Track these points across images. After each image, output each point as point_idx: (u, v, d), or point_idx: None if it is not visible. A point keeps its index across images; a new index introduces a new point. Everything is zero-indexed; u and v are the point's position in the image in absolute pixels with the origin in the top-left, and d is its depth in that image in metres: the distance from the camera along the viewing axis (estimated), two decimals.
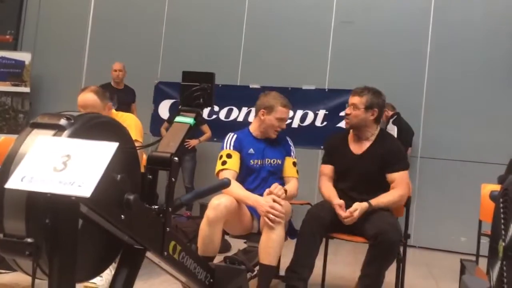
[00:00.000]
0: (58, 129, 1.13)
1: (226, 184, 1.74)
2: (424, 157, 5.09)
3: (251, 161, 2.63)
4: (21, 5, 6.73)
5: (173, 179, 1.48)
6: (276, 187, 2.46)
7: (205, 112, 5.49)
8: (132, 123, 2.77)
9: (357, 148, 2.69)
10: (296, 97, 4.88)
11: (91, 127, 1.19)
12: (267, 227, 2.34)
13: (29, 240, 1.03)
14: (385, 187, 2.61)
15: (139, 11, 6.22)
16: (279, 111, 2.63)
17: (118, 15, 6.27)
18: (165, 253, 1.42)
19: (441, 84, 5.12)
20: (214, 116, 5.65)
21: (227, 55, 5.77)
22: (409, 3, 5.36)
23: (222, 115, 5.68)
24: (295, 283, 2.43)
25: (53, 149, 1.07)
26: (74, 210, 1.08)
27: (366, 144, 2.68)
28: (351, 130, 2.75)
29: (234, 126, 4.92)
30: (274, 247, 2.33)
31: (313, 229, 2.46)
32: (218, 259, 2.30)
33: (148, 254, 1.39)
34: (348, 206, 2.51)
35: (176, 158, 1.47)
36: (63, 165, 1.03)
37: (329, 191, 2.64)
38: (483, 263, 1.95)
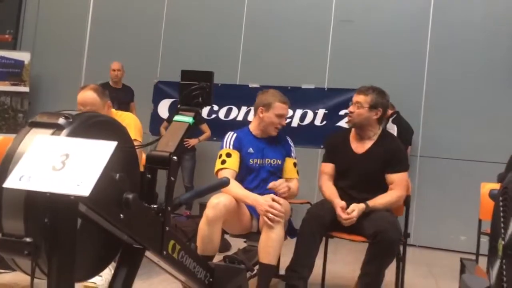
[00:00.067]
0: (57, 128, 1.13)
1: (225, 183, 1.74)
2: (424, 156, 5.09)
3: (250, 160, 2.62)
4: (20, 5, 6.72)
5: (172, 178, 1.48)
6: (280, 183, 2.46)
7: (205, 111, 5.49)
8: (132, 122, 2.77)
9: (359, 147, 2.69)
10: (296, 96, 4.88)
11: (90, 126, 1.19)
12: (266, 226, 2.34)
13: (27, 239, 1.03)
14: (385, 187, 2.61)
15: (139, 11, 6.22)
16: (278, 107, 2.62)
17: (118, 15, 6.27)
18: (164, 252, 1.42)
19: (440, 84, 5.12)
20: (213, 116, 5.64)
21: (226, 55, 5.77)
22: (408, 3, 5.36)
23: (221, 114, 5.67)
24: (295, 282, 2.43)
25: (51, 148, 1.07)
26: (73, 209, 1.08)
27: (368, 144, 2.68)
28: (352, 129, 2.75)
29: (234, 125, 4.91)
30: (273, 246, 2.33)
31: (313, 228, 2.46)
32: (218, 258, 2.30)
33: (148, 253, 1.39)
34: (347, 204, 2.51)
35: (175, 157, 1.47)
36: (62, 164, 1.03)
37: (330, 191, 2.64)
38: (483, 262, 1.94)
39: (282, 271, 2.67)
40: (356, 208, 2.46)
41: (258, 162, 2.64)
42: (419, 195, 4.89)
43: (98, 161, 1.04)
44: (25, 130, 1.16)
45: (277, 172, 2.69)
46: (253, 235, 2.56)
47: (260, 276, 2.35)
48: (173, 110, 5.56)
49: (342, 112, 5.26)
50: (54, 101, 5.97)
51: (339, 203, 2.52)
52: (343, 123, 5.22)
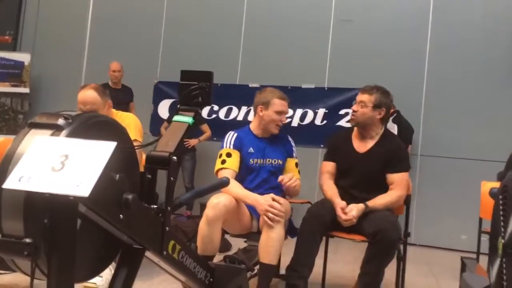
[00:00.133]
0: (56, 129, 1.13)
1: (225, 183, 1.74)
2: (424, 155, 5.09)
3: (250, 160, 2.62)
4: (20, 6, 6.73)
5: (172, 178, 1.47)
6: (290, 178, 2.47)
7: (205, 111, 5.50)
8: (132, 122, 2.77)
9: (361, 146, 2.69)
10: (296, 96, 4.88)
11: (89, 126, 1.19)
12: (266, 226, 2.34)
13: (27, 240, 1.03)
14: (386, 187, 2.61)
15: (138, 11, 6.22)
16: (276, 104, 2.62)
17: (117, 15, 6.27)
18: (165, 252, 1.42)
19: (440, 83, 5.12)
20: (213, 116, 5.65)
21: (226, 55, 5.77)
22: (408, 2, 5.36)
23: (221, 114, 5.68)
24: (295, 281, 2.43)
25: (51, 149, 1.07)
26: (72, 210, 1.08)
27: (370, 143, 2.68)
28: (355, 128, 2.75)
29: (234, 125, 4.91)
30: (274, 246, 2.33)
31: (313, 228, 2.46)
32: (218, 258, 2.30)
33: (148, 254, 1.39)
34: (348, 204, 2.51)
35: (175, 157, 1.47)
36: (61, 165, 1.03)
37: (331, 190, 2.64)
38: (483, 260, 1.94)
39: (282, 271, 2.67)
40: (355, 208, 2.47)
41: (259, 162, 2.64)
42: (420, 194, 4.88)
43: (97, 162, 1.04)
44: (24, 131, 1.16)
45: (278, 172, 2.69)
46: (253, 235, 2.56)
47: (261, 276, 2.36)
48: (173, 111, 5.55)
49: (342, 112, 5.26)
50: (55, 102, 5.98)
51: (339, 203, 2.52)
52: (343, 123, 5.22)
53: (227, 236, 2.93)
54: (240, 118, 5.59)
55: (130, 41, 6.10)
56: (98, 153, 1.06)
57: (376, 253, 2.37)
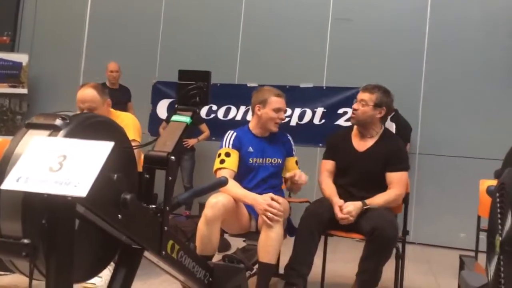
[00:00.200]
0: (54, 129, 1.13)
1: (223, 182, 1.74)
2: (423, 153, 5.09)
3: (250, 159, 2.62)
4: (18, 6, 6.71)
5: (170, 178, 1.48)
6: (299, 175, 2.47)
7: (203, 111, 5.50)
8: (130, 122, 2.77)
9: (361, 145, 2.70)
10: (294, 95, 4.89)
11: (87, 126, 1.19)
12: (265, 226, 2.34)
13: (25, 241, 1.03)
14: (385, 185, 2.62)
15: (136, 11, 6.21)
16: (273, 102, 2.62)
17: (115, 15, 6.26)
18: (163, 252, 1.42)
19: (438, 82, 5.12)
20: (212, 115, 5.65)
21: (224, 54, 5.76)
22: (406, 1, 5.36)
23: (220, 114, 5.68)
24: (294, 280, 2.43)
25: (48, 149, 1.07)
26: (70, 210, 1.08)
27: (370, 142, 2.69)
28: (354, 127, 2.76)
29: (232, 125, 4.89)
30: (273, 245, 2.33)
31: (311, 226, 2.47)
32: (217, 258, 2.30)
33: (146, 254, 1.39)
34: (346, 202, 2.52)
35: (173, 157, 1.47)
36: (59, 165, 1.03)
37: (330, 189, 2.65)
38: (482, 258, 1.95)
39: (281, 270, 2.67)
40: (352, 205, 2.47)
41: (258, 161, 2.64)
42: (418, 193, 4.89)
43: (95, 162, 1.04)
44: (22, 131, 1.16)
45: (278, 171, 2.69)
46: (252, 234, 2.57)
47: (260, 275, 2.36)
48: (171, 111, 5.55)
49: (340, 111, 5.27)
50: (53, 102, 5.96)
51: (337, 201, 2.52)
52: (342, 122, 5.22)
53: (226, 236, 2.93)
54: (238, 117, 5.59)
55: (129, 41, 6.09)
56: (96, 153, 1.06)
57: (374, 250, 2.38)
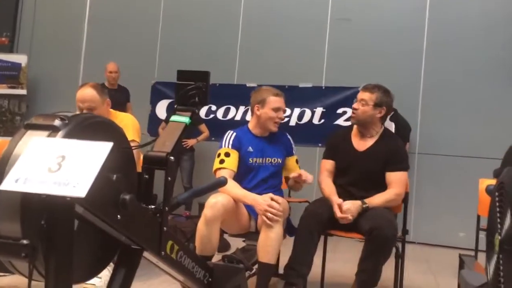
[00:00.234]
0: (52, 130, 1.13)
1: (222, 182, 1.74)
2: (422, 153, 5.09)
3: (250, 159, 2.62)
4: (17, 7, 6.71)
5: (169, 178, 1.48)
6: (306, 175, 2.49)
7: (203, 111, 5.50)
8: (130, 123, 2.77)
9: (360, 145, 2.70)
10: (293, 95, 4.88)
11: (86, 127, 1.19)
12: (265, 226, 2.34)
13: (24, 241, 1.03)
14: (385, 185, 2.62)
15: (135, 10, 6.21)
16: (272, 101, 2.62)
17: (114, 15, 6.26)
18: (163, 253, 1.42)
19: (438, 81, 5.13)
20: (211, 116, 5.65)
21: (223, 54, 5.77)
22: (405, 1, 5.36)
23: (219, 114, 5.68)
24: (294, 280, 2.43)
25: (47, 150, 1.07)
26: (69, 211, 1.08)
27: (370, 142, 2.69)
28: (354, 127, 2.76)
29: (232, 125, 4.90)
30: (272, 245, 2.33)
31: (311, 226, 2.47)
32: (217, 258, 2.30)
33: (146, 254, 1.39)
34: (345, 201, 2.52)
35: (172, 157, 1.47)
36: (58, 166, 1.03)
37: (329, 188, 2.65)
38: (482, 258, 1.95)
39: (281, 270, 2.67)
40: (350, 203, 2.47)
41: (258, 161, 2.64)
42: (418, 192, 4.89)
43: (94, 162, 1.04)
44: (21, 132, 1.16)
45: (278, 171, 2.69)
46: (252, 235, 2.56)
47: (259, 275, 2.36)
48: (171, 111, 5.55)
49: (340, 110, 5.27)
50: (52, 103, 5.96)
51: (336, 200, 2.52)
52: (341, 121, 5.22)
53: (225, 236, 2.93)
54: (238, 118, 5.59)
55: (128, 41, 6.09)
56: (95, 153, 1.06)
57: (372, 250, 2.38)
